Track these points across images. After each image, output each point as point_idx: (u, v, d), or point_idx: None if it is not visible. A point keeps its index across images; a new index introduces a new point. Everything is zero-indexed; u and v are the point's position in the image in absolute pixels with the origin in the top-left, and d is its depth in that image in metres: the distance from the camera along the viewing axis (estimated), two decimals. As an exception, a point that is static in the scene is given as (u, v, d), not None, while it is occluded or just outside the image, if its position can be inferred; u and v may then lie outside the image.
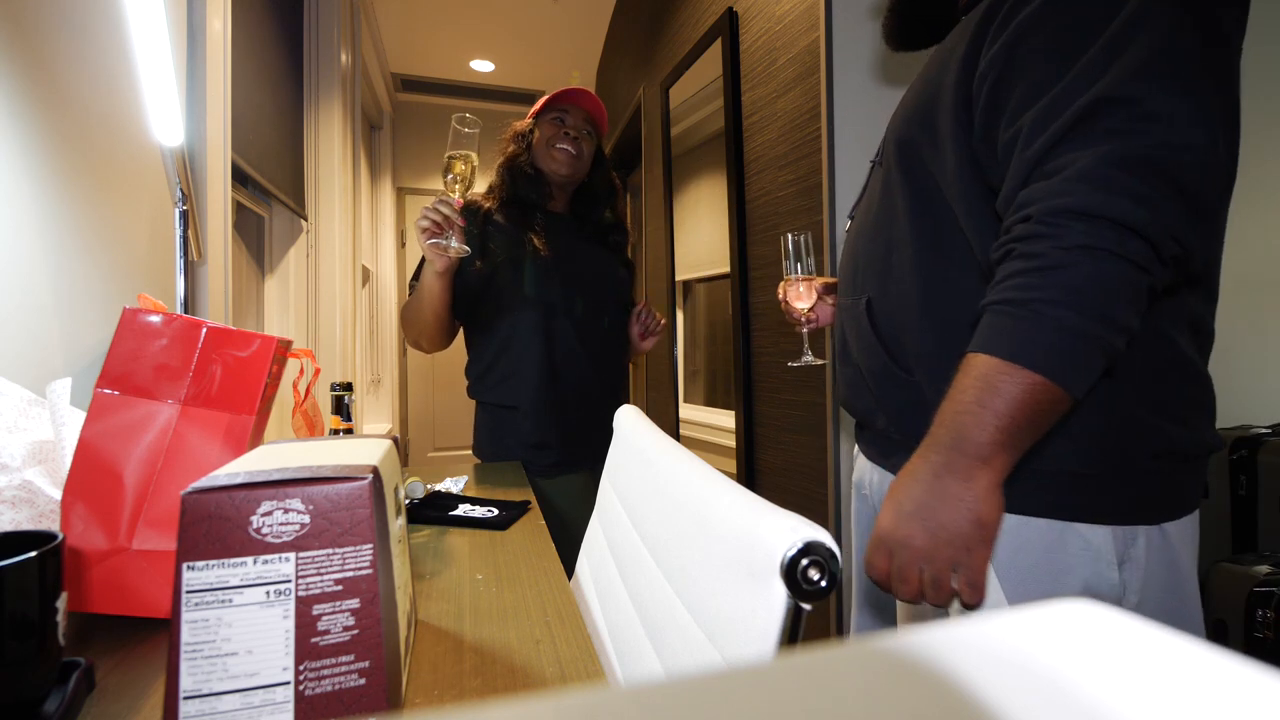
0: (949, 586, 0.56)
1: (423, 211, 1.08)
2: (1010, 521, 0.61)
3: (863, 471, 0.84)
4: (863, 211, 0.80)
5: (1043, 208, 0.52)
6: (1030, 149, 0.54)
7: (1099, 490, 0.60)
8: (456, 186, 1.08)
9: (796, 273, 1.00)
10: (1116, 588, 0.59)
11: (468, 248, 1.11)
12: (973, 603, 0.56)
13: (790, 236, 1.00)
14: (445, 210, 1.07)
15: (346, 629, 0.39)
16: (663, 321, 1.43)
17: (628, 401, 1.09)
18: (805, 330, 1.01)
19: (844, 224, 0.87)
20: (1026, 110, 0.55)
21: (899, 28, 0.83)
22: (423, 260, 1.27)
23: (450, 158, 1.07)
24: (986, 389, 0.52)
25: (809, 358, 1.04)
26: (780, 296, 1.02)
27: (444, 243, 1.08)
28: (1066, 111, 0.53)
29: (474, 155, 1.08)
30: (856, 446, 0.89)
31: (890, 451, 0.75)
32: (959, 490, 0.53)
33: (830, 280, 1.01)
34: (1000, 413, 0.52)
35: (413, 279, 1.30)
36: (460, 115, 1.07)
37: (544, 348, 1.27)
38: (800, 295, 0.99)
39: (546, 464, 1.28)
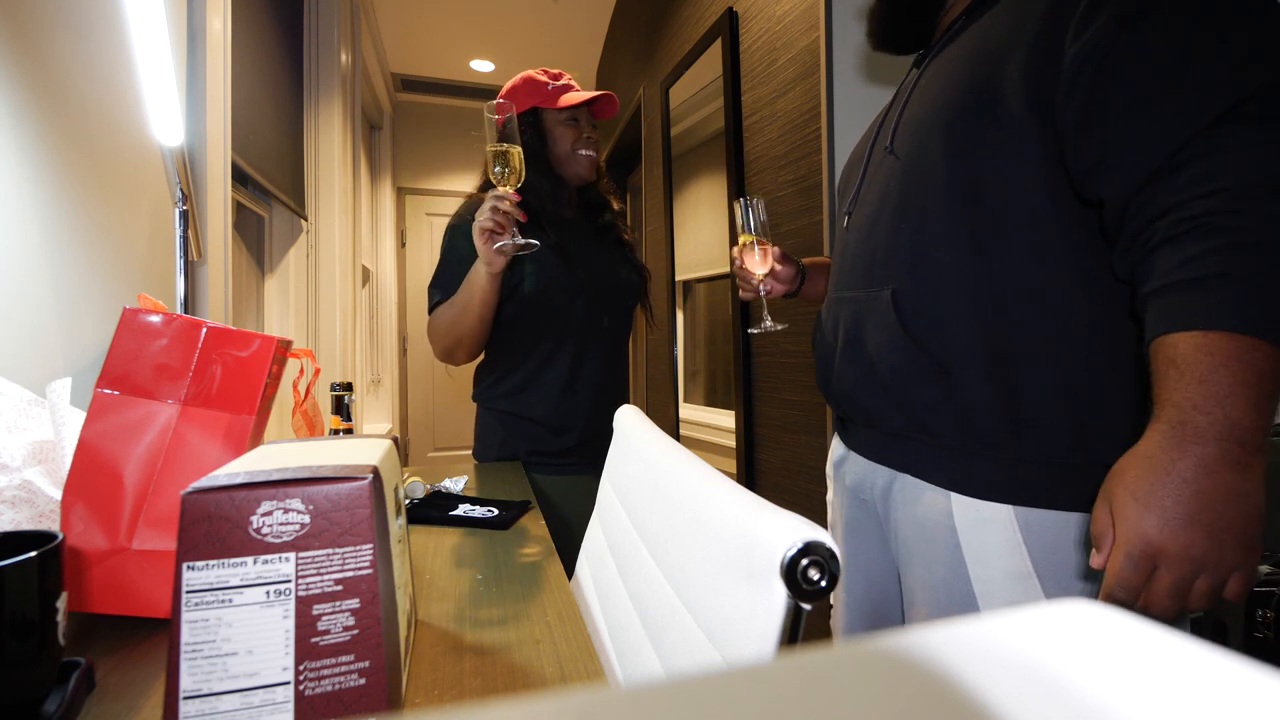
0: (1218, 595, 0.50)
1: (484, 214, 1.00)
2: (1046, 518, 0.61)
3: (861, 475, 0.80)
4: (874, 202, 0.76)
5: (1236, 183, 0.49)
6: (1179, 135, 0.51)
7: None
8: (510, 179, 1.00)
9: (754, 234, 1.01)
10: None
11: (535, 241, 1.04)
12: (1237, 605, 0.53)
13: (744, 201, 1.00)
14: (505, 207, 0.99)
15: (346, 629, 0.39)
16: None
17: (628, 401, 1.08)
18: (762, 296, 1.02)
19: (841, 222, 0.86)
20: (1160, 97, 0.52)
21: (884, 29, 0.83)
22: (440, 269, 1.21)
23: (494, 151, 0.99)
24: (1246, 368, 0.47)
25: (769, 323, 1.04)
26: (736, 260, 1.02)
27: (508, 243, 1.01)
28: (1216, 96, 0.50)
29: (517, 147, 1.01)
30: (843, 448, 0.86)
31: (905, 453, 0.72)
32: (1239, 485, 0.47)
33: (781, 252, 1.01)
34: (1268, 393, 0.47)
35: (432, 285, 1.23)
36: (491, 104, 0.99)
37: (568, 363, 1.25)
38: (757, 261, 1.00)
39: (556, 465, 1.28)
